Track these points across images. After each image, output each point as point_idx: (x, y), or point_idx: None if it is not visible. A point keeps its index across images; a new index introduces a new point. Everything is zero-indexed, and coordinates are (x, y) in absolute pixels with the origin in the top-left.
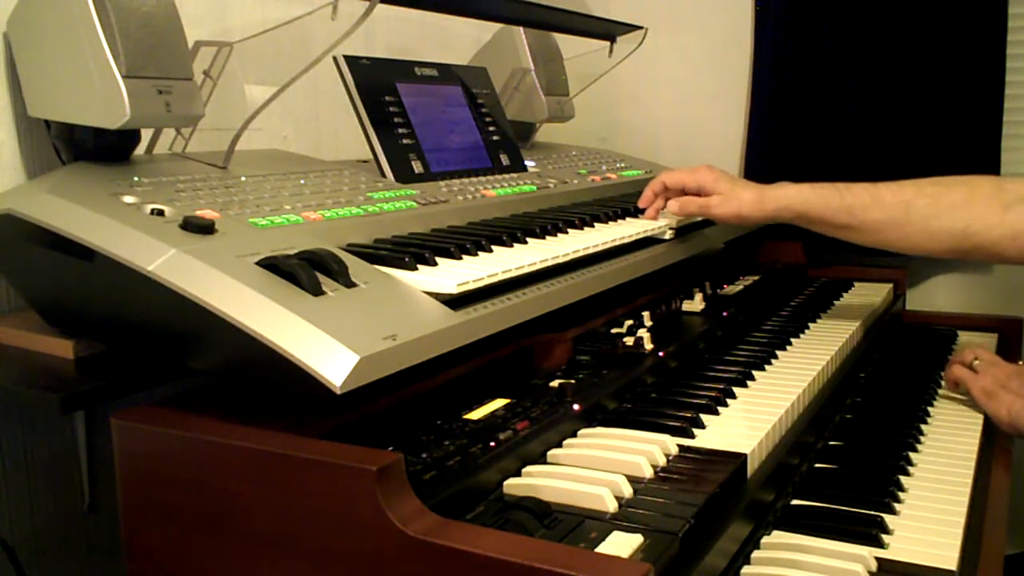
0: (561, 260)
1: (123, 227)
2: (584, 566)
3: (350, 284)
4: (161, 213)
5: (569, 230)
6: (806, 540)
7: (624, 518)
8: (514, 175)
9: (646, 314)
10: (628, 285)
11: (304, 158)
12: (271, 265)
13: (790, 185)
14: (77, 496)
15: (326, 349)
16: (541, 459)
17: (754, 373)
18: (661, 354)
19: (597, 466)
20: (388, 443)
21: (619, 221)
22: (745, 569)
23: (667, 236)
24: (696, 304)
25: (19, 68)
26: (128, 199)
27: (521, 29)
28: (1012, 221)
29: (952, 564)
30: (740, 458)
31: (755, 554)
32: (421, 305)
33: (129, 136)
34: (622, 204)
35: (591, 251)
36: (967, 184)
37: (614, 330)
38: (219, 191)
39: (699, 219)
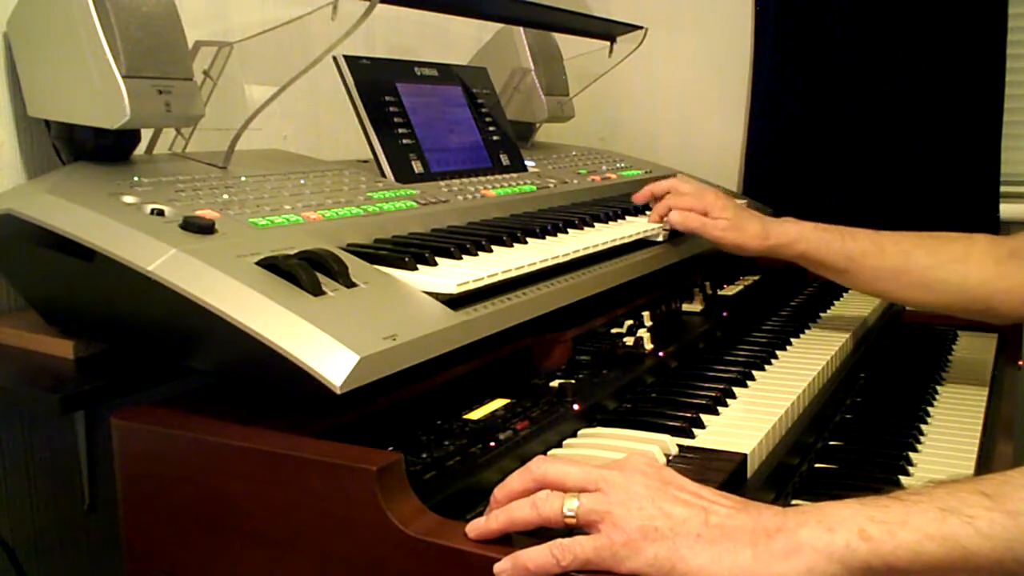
0: (561, 260)
1: (123, 227)
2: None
3: (350, 284)
4: (161, 213)
5: (569, 230)
6: None
7: None
8: (514, 175)
9: (646, 314)
10: (628, 285)
11: (304, 158)
12: (271, 265)
13: (794, 222)
14: (77, 496)
15: (326, 349)
16: None
17: (754, 373)
18: (661, 354)
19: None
20: (388, 443)
21: (619, 221)
22: None
23: (667, 236)
24: (696, 304)
25: (19, 68)
26: (128, 199)
27: (521, 29)
28: (1004, 275)
29: None
30: (740, 458)
31: None
32: (421, 305)
33: (129, 136)
34: (622, 204)
35: (591, 251)
36: (964, 240)
37: (614, 330)
38: (219, 191)
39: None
